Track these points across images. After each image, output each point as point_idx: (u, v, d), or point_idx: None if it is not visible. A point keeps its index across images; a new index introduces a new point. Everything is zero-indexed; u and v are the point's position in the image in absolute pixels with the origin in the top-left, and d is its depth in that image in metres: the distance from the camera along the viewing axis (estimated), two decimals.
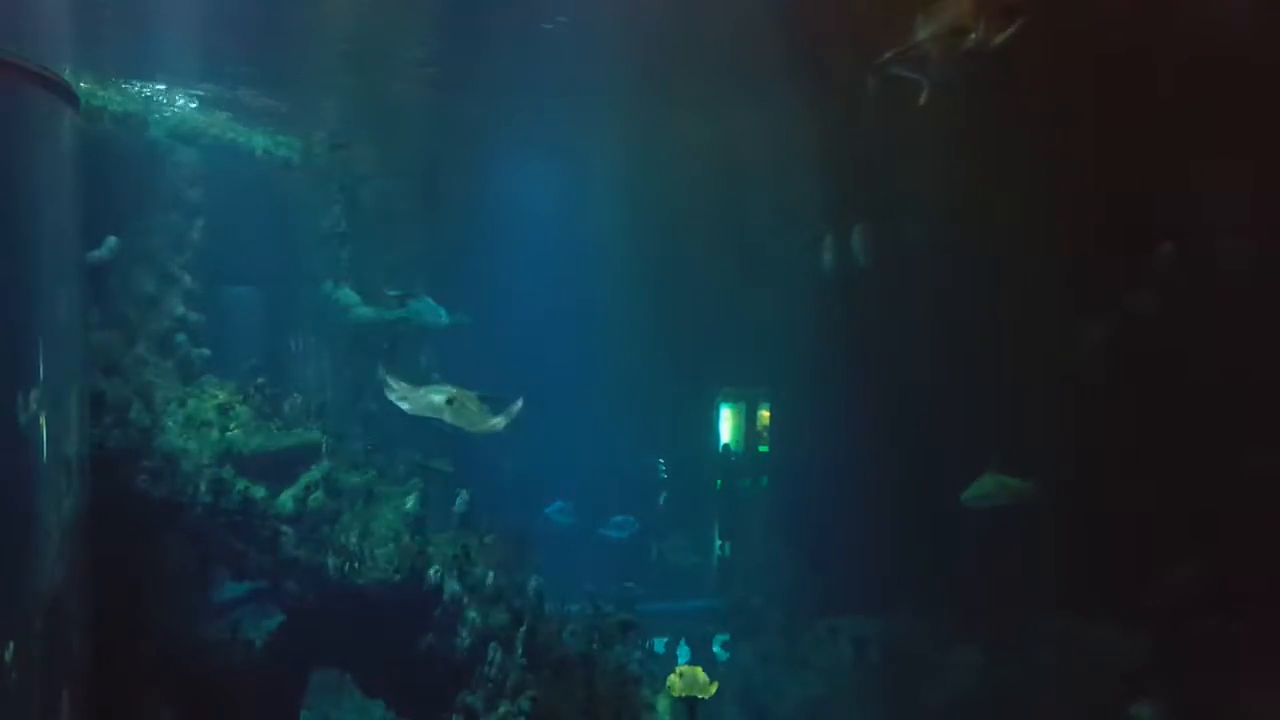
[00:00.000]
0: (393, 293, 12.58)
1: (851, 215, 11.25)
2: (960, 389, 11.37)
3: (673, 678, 8.22)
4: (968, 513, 10.95)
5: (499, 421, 7.78)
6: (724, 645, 13.49)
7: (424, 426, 11.06)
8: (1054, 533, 10.69)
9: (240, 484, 8.58)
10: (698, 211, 13.63)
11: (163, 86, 11.03)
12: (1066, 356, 10.96)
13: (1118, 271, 10.53)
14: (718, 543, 16.56)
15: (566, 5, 9.68)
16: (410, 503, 9.03)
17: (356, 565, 8.48)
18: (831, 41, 9.93)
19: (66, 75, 6.47)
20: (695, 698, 8.00)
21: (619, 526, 14.28)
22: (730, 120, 12.28)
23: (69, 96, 6.51)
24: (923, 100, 7.22)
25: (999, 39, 6.42)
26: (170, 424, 8.70)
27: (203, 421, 8.79)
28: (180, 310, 10.05)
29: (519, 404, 7.76)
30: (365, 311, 12.02)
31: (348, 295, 11.94)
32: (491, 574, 9.05)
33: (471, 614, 8.65)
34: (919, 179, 11.75)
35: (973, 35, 6.50)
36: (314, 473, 8.83)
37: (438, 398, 7.69)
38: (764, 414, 17.22)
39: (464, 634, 8.59)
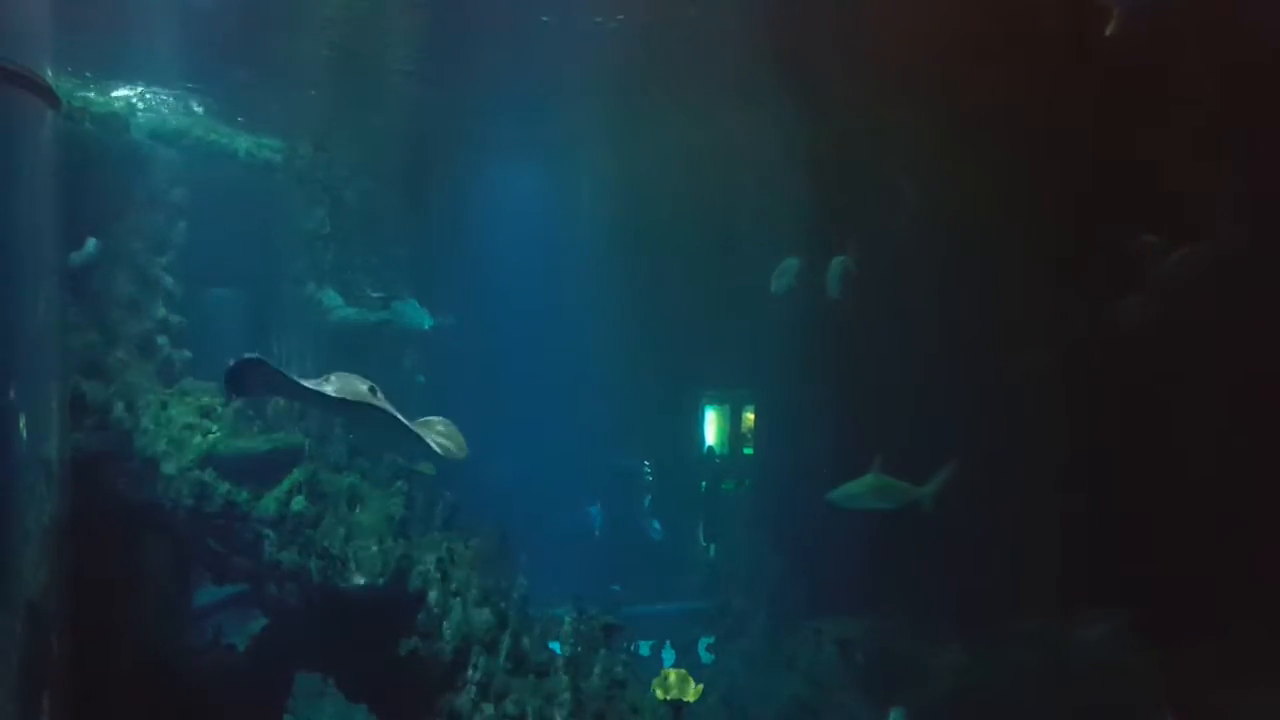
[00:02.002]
0: (376, 294, 12.53)
1: (834, 227, 11.23)
2: (945, 391, 11.42)
3: (658, 681, 8.23)
4: (952, 513, 11.01)
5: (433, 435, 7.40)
6: (709, 648, 13.51)
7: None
8: (1040, 533, 10.76)
9: (222, 487, 8.54)
10: (683, 212, 13.66)
11: (144, 88, 10.97)
12: (1048, 358, 11.01)
13: (1100, 274, 10.59)
14: (702, 545, 16.59)
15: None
16: (394, 506, 8.98)
17: (339, 568, 8.42)
18: (820, 44, 9.97)
19: (48, 76, 6.43)
20: (681, 701, 8.00)
21: (657, 530, 14.46)
22: (717, 121, 12.31)
23: (50, 97, 6.47)
24: (1110, 30, 6.46)
25: None
26: (151, 426, 8.65)
27: (184, 424, 8.73)
28: (161, 312, 9.99)
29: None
30: (348, 313, 11.97)
31: (331, 297, 11.89)
32: (476, 577, 9.02)
33: (455, 617, 8.62)
34: (904, 180, 11.81)
35: None
36: (296, 475, 8.77)
37: (362, 386, 7.06)
38: (749, 415, 17.25)
39: (448, 638, 8.55)
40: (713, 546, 16.28)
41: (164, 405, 8.84)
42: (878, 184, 11.66)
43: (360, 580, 8.47)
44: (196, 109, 11.65)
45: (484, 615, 8.77)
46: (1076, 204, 10.55)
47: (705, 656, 13.35)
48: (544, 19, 9.77)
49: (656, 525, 14.49)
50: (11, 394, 6.35)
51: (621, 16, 9.64)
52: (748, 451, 17.10)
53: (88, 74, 10.33)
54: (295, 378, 6.99)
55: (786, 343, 12.72)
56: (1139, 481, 10.20)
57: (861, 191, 11.70)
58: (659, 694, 8.09)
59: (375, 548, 8.57)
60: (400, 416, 6.99)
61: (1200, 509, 9.87)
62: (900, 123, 10.91)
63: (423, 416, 7.73)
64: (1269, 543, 9.36)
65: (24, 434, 6.46)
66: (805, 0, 9.33)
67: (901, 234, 11.47)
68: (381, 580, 8.51)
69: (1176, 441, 10.11)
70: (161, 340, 9.81)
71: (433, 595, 8.71)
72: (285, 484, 8.72)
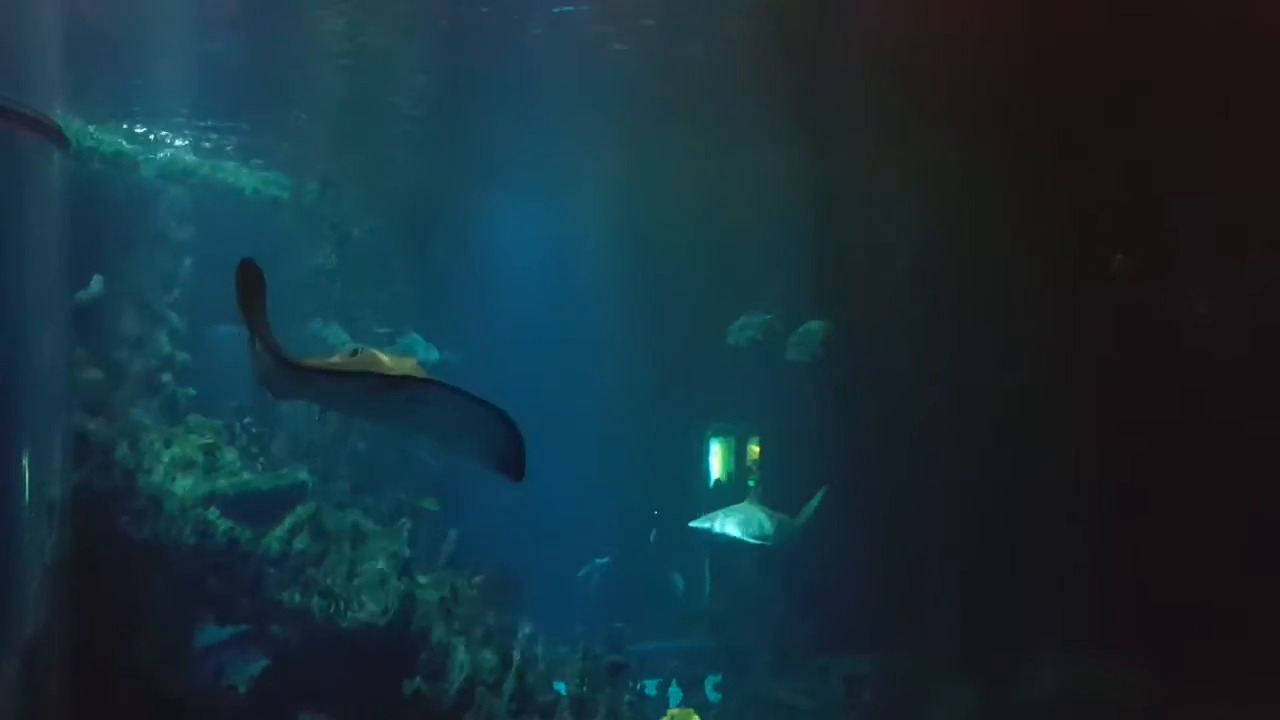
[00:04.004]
0: (382, 330, 12.56)
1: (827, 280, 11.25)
2: (952, 424, 11.38)
3: None
4: (960, 547, 10.91)
5: None
6: (716, 686, 13.34)
7: (409, 465, 11.01)
8: (1049, 568, 10.67)
9: (225, 525, 8.50)
10: (690, 246, 13.70)
11: (155, 127, 11.09)
12: (1054, 390, 10.95)
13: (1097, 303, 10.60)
14: (708, 579, 16.42)
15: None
16: (397, 543, 8.94)
17: (342, 607, 8.37)
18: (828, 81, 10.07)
19: (58, 117, 6.50)
20: None
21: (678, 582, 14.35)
22: (724, 157, 12.39)
23: (59, 138, 6.54)
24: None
25: None
26: (155, 465, 8.63)
27: (188, 462, 8.72)
28: (167, 349, 10.04)
29: None
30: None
31: (336, 333, 11.91)
32: (480, 616, 8.96)
33: (459, 657, 8.54)
34: (907, 215, 11.86)
35: None
36: (300, 513, 8.75)
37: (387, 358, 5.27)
38: (754, 449, 17.16)
39: (452, 678, 8.47)
40: (718, 582, 16.12)
41: (168, 443, 8.83)
42: (882, 219, 11.71)
43: (363, 619, 8.41)
44: (205, 146, 11.77)
45: (488, 655, 8.70)
46: (1071, 235, 10.60)
47: (712, 695, 13.18)
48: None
49: (679, 579, 14.30)
50: (16, 432, 6.36)
51: (623, 46, 9.71)
52: (752, 484, 16.99)
53: (99, 114, 10.44)
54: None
55: (793, 375, 12.71)
56: (1150, 514, 10.13)
57: (865, 227, 11.75)
58: None
59: (379, 586, 8.52)
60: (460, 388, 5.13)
61: (1219, 542, 9.76)
62: (904, 159, 10.99)
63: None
64: None
65: (28, 472, 6.46)
66: (810, 38, 9.41)
67: (904, 266, 11.50)
68: (385, 620, 8.46)
69: (1187, 471, 10.03)
70: (166, 378, 9.84)
71: (436, 635, 8.65)
72: (288, 522, 8.69)
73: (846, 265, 11.62)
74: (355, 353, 5.18)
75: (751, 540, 10.07)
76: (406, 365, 5.09)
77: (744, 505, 10.15)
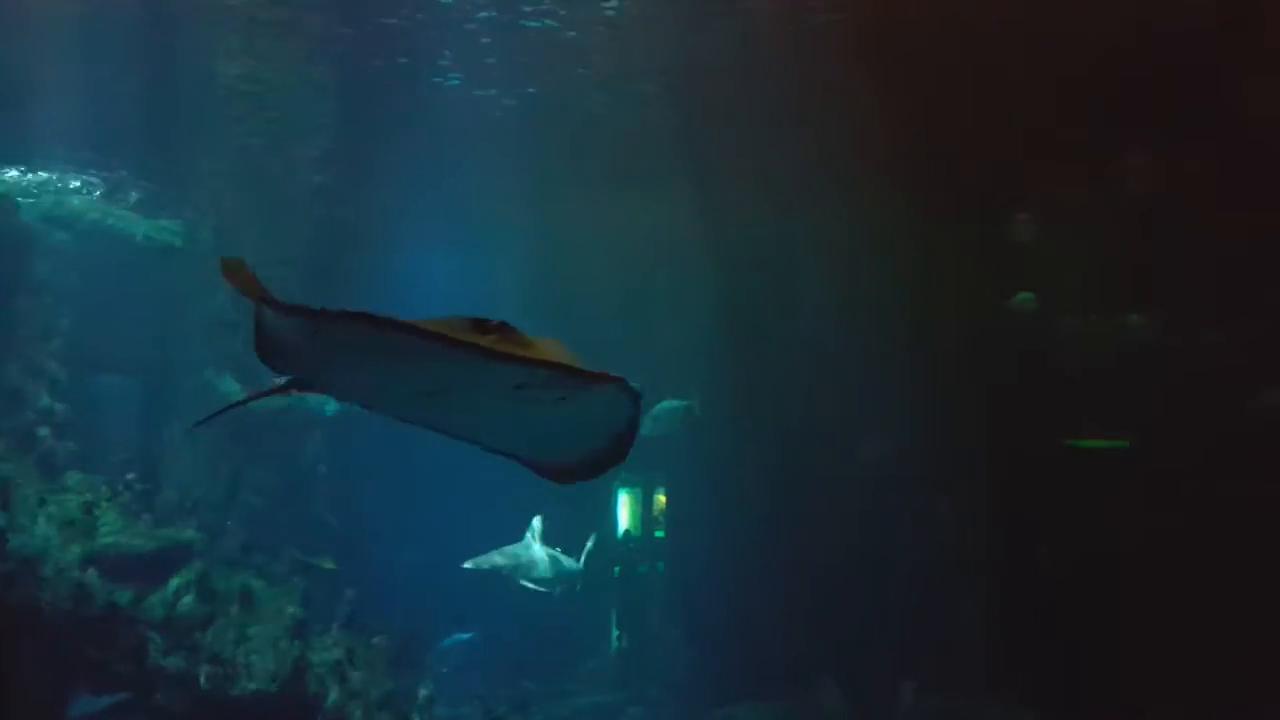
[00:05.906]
0: (280, 380, 12.16)
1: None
2: (855, 471, 11.59)
3: None
4: (862, 596, 11.07)
5: None
6: None
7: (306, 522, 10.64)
8: (954, 616, 10.89)
9: (104, 588, 8.06)
10: (596, 295, 13.76)
11: (42, 170, 10.67)
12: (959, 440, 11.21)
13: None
14: (615, 633, 16.25)
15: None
16: (290, 604, 8.61)
17: (230, 674, 7.99)
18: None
19: None
20: None
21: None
22: (630, 207, 12.53)
23: None
24: None
25: None
26: (29, 524, 8.15)
27: (65, 521, 8.27)
28: (45, 401, 9.58)
29: None
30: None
31: (228, 383, 11.49)
32: (377, 679, 8.66)
33: None
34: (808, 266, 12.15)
35: None
36: (186, 574, 8.37)
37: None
38: (660, 498, 17.14)
39: None
40: (625, 635, 15.96)
41: (43, 501, 8.36)
42: (780, 277, 11.97)
43: (253, 686, 8.04)
44: (95, 191, 11.34)
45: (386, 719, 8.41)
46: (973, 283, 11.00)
47: None
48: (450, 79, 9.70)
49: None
50: None
51: (533, 90, 9.77)
52: (659, 535, 16.95)
53: None
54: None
55: (698, 423, 12.80)
56: (1045, 565, 10.43)
57: (769, 288, 12.00)
58: None
59: (270, 651, 8.17)
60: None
61: (1117, 593, 10.06)
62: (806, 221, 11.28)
63: None
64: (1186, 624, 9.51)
65: None
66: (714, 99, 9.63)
67: (810, 327, 11.75)
68: (275, 685, 8.10)
69: (1088, 524, 10.37)
70: (43, 431, 9.36)
71: (332, 700, 8.32)
72: (173, 584, 8.32)
73: (749, 325, 11.83)
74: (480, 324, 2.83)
75: (521, 580, 10.08)
76: (554, 349, 2.99)
77: (521, 545, 10.13)
